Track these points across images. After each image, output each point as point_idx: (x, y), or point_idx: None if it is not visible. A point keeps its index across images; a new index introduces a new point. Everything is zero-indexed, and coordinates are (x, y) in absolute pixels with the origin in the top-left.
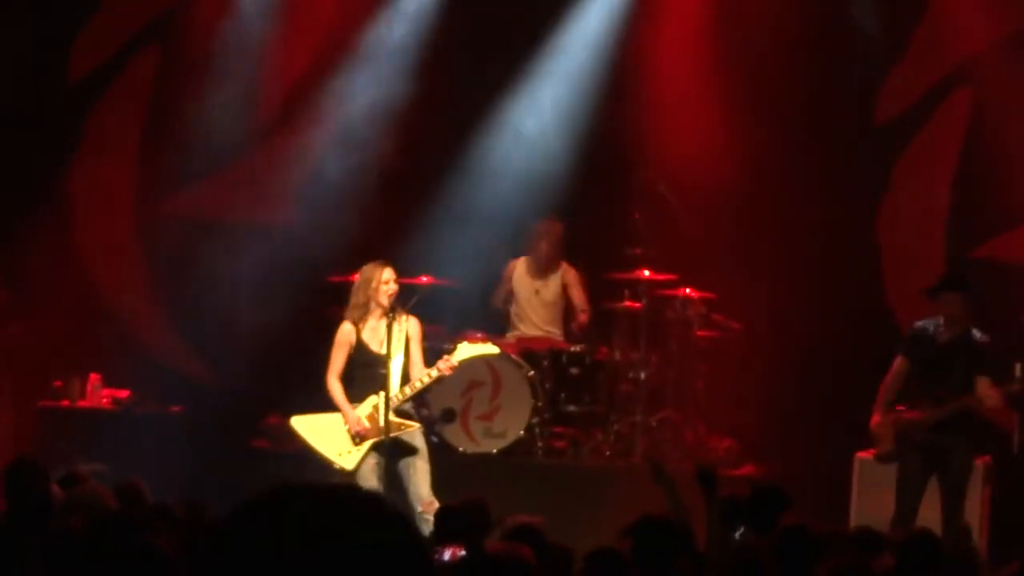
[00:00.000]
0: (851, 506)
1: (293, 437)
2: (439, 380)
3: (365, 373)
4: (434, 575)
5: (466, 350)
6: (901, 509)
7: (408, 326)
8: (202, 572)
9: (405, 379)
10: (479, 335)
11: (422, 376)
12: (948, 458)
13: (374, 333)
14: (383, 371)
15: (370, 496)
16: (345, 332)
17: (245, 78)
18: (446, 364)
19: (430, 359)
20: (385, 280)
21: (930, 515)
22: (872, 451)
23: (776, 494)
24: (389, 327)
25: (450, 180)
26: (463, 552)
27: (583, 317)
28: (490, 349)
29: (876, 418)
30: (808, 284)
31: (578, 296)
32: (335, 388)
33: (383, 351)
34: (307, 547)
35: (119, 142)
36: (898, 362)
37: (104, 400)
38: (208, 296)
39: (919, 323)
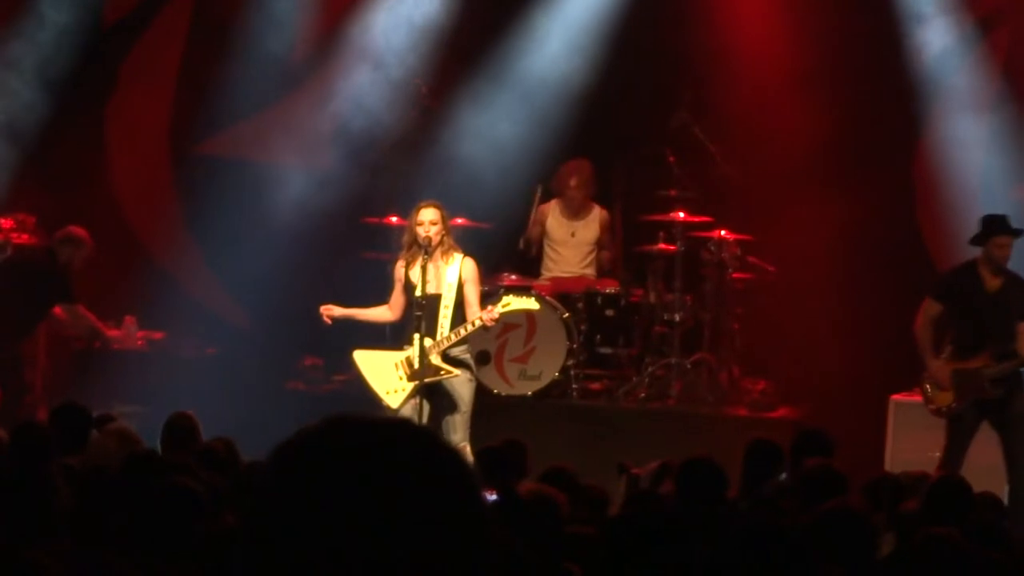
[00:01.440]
0: (886, 448)
1: (352, 368)
2: (486, 329)
3: (411, 314)
4: (484, 509)
5: (508, 303)
6: (953, 457)
7: (463, 268)
8: (259, 496)
9: (460, 321)
10: (514, 277)
11: (465, 324)
12: (1003, 405)
13: (422, 274)
14: (419, 313)
15: (423, 430)
16: (396, 269)
17: (281, 20)
18: (488, 315)
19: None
20: (420, 221)
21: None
22: (928, 401)
23: (819, 438)
24: (424, 268)
25: (483, 121)
26: (493, 495)
27: (606, 254)
28: (532, 304)
29: (932, 368)
30: (843, 225)
31: (609, 241)
32: (371, 309)
33: (429, 292)
34: (360, 476)
35: (155, 84)
36: (931, 306)
37: (139, 342)
38: (244, 238)
39: (958, 267)
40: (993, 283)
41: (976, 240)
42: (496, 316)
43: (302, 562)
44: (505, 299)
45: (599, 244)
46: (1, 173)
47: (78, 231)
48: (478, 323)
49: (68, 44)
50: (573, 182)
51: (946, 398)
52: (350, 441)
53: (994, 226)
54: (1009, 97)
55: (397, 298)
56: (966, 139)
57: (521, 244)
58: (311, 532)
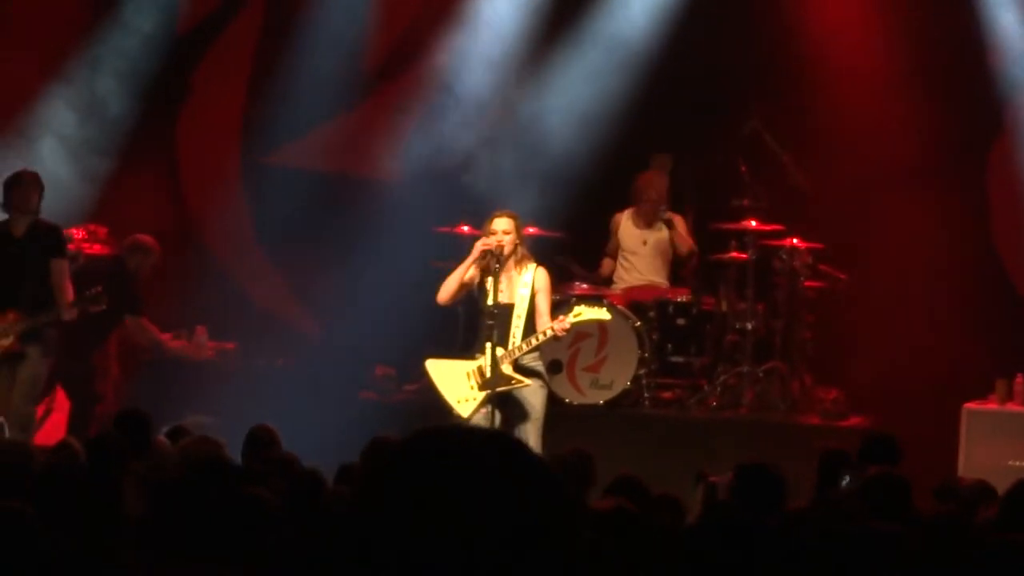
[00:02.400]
0: (959, 457)
1: (424, 377)
2: (556, 339)
3: (482, 322)
4: (573, 518)
5: (580, 313)
6: None
7: (535, 278)
8: (365, 503)
9: (531, 331)
10: (585, 286)
11: (537, 334)
12: None
13: (494, 283)
14: (491, 322)
15: (516, 443)
16: (477, 276)
17: (350, 30)
18: (560, 325)
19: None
20: (493, 230)
21: None
22: None
23: (886, 442)
24: (495, 277)
25: (552, 128)
26: None
27: (694, 259)
28: (603, 314)
29: None
30: (915, 233)
31: (684, 240)
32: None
33: (501, 301)
34: (457, 484)
35: (226, 92)
36: None
37: (210, 353)
38: (315, 248)
39: None
40: None
41: None
42: (567, 326)
43: (400, 564)
44: (576, 309)
45: (672, 246)
46: (89, 184)
47: (145, 239)
48: (549, 333)
49: (151, 51)
50: (652, 195)
51: None
52: (444, 452)
53: None
54: None
55: (460, 291)
56: None
57: (603, 270)
58: (410, 537)
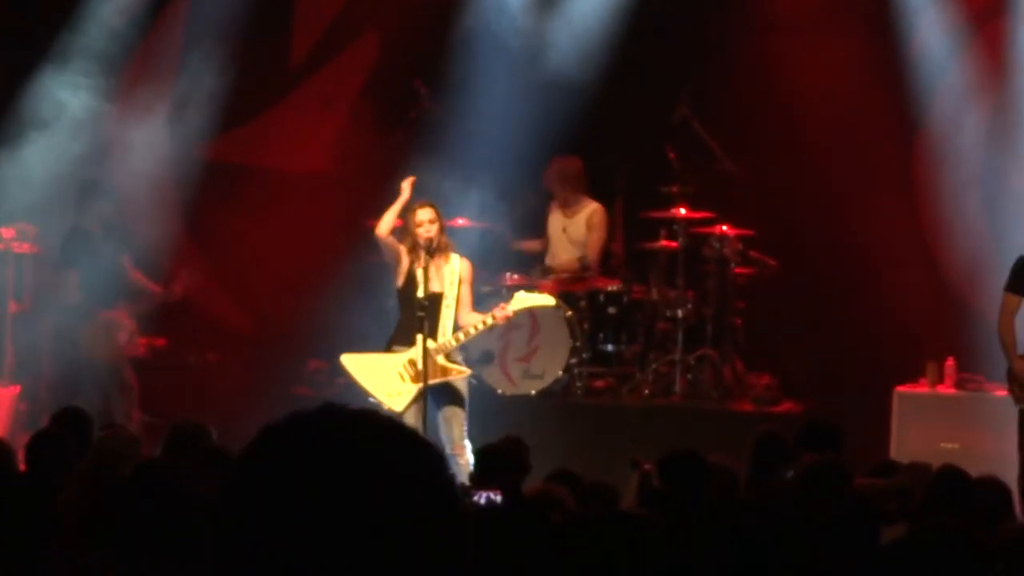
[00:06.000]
0: (891, 441)
1: (344, 374)
2: (492, 328)
3: (412, 314)
4: (460, 511)
5: (522, 300)
6: None
7: (460, 268)
8: (231, 488)
9: (455, 322)
10: (516, 276)
11: (476, 323)
12: None
13: (425, 274)
14: (422, 314)
15: (401, 424)
16: (404, 262)
17: (278, 23)
18: (501, 313)
19: (479, 303)
20: (419, 221)
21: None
22: (1018, 401)
23: (826, 429)
24: (425, 270)
25: (477, 120)
26: (499, 496)
27: (575, 264)
28: (547, 300)
29: (1018, 368)
30: (844, 219)
31: (592, 240)
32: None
33: (430, 292)
34: (332, 467)
35: (156, 85)
36: (1010, 301)
37: (141, 349)
38: (246, 242)
39: None
40: None
41: None
42: (510, 314)
43: (271, 550)
44: (518, 296)
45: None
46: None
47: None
48: (490, 321)
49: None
50: (552, 176)
51: None
52: (329, 434)
53: None
54: (1006, 89)
55: (393, 244)
56: (964, 131)
57: (536, 244)
58: (282, 521)
